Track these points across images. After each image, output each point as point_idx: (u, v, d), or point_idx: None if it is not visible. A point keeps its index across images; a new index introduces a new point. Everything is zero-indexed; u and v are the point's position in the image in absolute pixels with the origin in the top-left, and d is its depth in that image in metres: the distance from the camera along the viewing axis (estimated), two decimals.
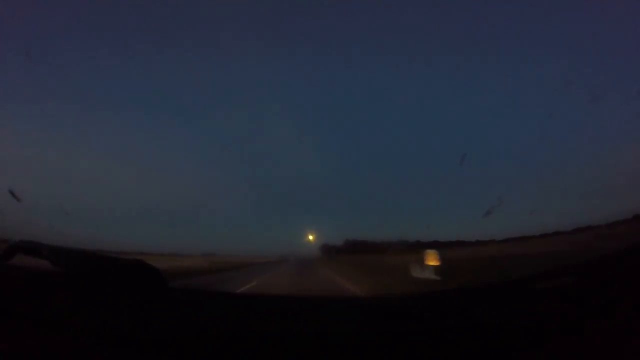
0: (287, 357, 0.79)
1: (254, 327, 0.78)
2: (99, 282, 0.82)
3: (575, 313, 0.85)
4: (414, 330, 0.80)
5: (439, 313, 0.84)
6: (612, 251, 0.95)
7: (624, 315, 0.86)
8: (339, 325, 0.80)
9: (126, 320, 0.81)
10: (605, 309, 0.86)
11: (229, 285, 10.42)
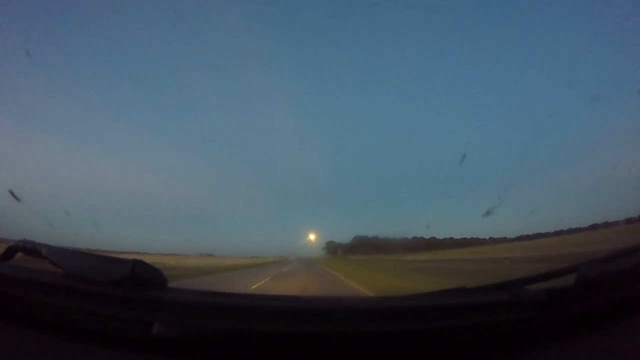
0: (289, 357, 0.79)
1: (255, 327, 0.78)
2: (98, 282, 0.82)
3: (576, 313, 0.85)
4: (417, 330, 0.80)
5: (441, 312, 0.84)
6: (612, 251, 0.95)
7: (624, 315, 0.86)
8: (341, 325, 0.80)
9: (126, 320, 0.81)
10: (605, 309, 0.86)
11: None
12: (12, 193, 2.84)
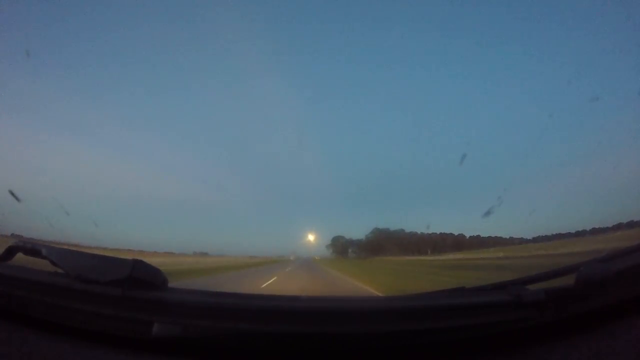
0: (289, 358, 0.79)
1: (255, 327, 0.78)
2: (98, 282, 0.82)
3: (576, 313, 0.85)
4: (417, 330, 0.80)
5: (441, 312, 0.84)
6: (612, 251, 0.95)
7: (624, 315, 0.86)
8: (341, 325, 0.80)
9: (126, 320, 0.81)
10: (605, 309, 0.86)
11: None
12: (12, 193, 2.85)
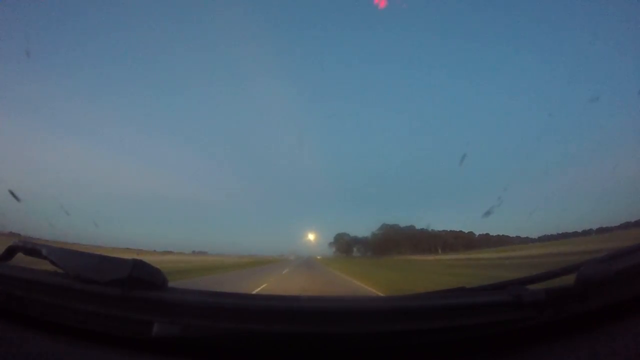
0: (289, 358, 0.79)
1: (255, 327, 0.78)
2: (98, 282, 0.82)
3: (576, 313, 0.85)
4: (417, 330, 0.80)
5: (442, 312, 0.84)
6: (612, 251, 0.95)
7: (624, 315, 0.86)
8: (341, 325, 0.80)
9: (126, 320, 0.81)
10: (605, 309, 0.86)
11: None
12: (12, 193, 2.85)
